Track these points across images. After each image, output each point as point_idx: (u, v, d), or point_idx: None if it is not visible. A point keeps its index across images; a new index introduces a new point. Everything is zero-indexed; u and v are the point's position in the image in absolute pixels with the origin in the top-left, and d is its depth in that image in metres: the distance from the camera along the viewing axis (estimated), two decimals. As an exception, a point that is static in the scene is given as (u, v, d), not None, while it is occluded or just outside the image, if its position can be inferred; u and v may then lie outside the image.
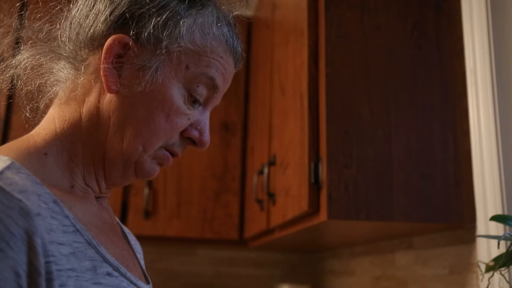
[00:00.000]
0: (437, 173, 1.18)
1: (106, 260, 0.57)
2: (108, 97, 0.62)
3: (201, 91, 0.65)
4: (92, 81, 0.62)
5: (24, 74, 0.65)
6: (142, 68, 0.61)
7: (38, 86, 0.65)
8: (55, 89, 0.65)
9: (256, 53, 2.15)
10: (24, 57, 0.64)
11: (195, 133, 0.66)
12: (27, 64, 0.64)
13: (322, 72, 1.23)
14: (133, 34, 0.61)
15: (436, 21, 1.28)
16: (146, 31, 0.61)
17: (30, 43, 0.65)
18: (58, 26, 0.66)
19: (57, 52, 0.65)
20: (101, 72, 0.61)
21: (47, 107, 0.66)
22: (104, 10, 0.62)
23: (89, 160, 0.63)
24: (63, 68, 0.64)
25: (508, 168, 1.09)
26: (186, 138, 0.67)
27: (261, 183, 1.74)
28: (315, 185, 1.19)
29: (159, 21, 0.61)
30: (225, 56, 0.66)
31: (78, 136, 0.62)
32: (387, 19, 1.26)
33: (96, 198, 0.67)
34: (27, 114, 0.67)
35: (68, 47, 0.64)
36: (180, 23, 0.62)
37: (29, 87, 0.65)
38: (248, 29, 2.30)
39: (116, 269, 0.58)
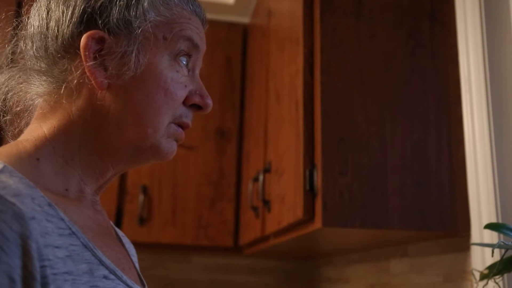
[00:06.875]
0: (432, 181, 1.18)
1: (102, 263, 0.57)
2: (102, 94, 0.62)
3: (186, 55, 0.67)
4: (79, 86, 0.62)
5: (5, 98, 0.66)
6: (124, 55, 0.62)
7: (17, 104, 0.66)
8: (37, 102, 0.65)
9: (251, 60, 2.16)
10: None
11: (197, 98, 0.68)
12: (5, 89, 0.65)
13: (317, 79, 1.23)
14: (103, 26, 0.62)
15: (431, 29, 1.29)
16: (113, 19, 0.62)
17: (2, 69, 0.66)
18: (21, 45, 0.67)
19: (29, 70, 0.65)
20: (87, 72, 0.61)
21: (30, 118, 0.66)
22: (63, 15, 0.63)
23: (88, 160, 0.63)
24: (43, 83, 0.64)
25: (502, 176, 1.10)
26: (190, 106, 0.68)
27: (256, 190, 1.73)
28: (310, 193, 1.19)
29: (121, 5, 0.63)
30: (193, 17, 0.68)
31: (73, 140, 0.62)
32: (382, 27, 1.27)
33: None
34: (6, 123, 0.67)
35: (40, 64, 0.64)
36: (141, 1, 0.64)
37: (15, 109, 0.66)
38: (243, 36, 2.31)
39: (112, 272, 0.58)
